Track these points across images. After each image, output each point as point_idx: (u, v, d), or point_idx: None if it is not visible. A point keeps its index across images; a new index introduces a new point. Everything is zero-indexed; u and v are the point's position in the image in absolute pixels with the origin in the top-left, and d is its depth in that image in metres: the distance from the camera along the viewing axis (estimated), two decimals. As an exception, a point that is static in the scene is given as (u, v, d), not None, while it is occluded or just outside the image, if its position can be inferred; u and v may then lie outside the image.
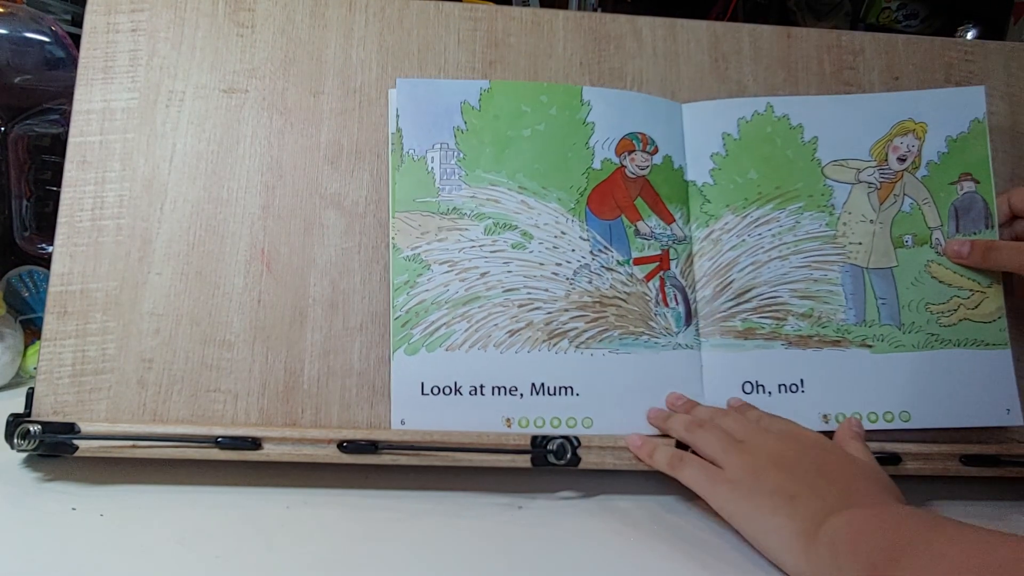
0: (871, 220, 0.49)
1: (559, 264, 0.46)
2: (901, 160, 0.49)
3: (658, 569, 0.36)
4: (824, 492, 0.36)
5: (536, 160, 0.47)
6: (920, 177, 0.49)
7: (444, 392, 0.44)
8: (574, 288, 0.46)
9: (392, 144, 0.47)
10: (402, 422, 0.44)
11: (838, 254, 0.48)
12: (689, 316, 0.47)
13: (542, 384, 0.45)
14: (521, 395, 0.45)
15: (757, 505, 0.37)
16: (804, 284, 0.48)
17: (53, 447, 0.41)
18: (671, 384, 0.46)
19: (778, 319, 0.47)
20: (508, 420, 0.44)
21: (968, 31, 1.05)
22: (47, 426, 0.41)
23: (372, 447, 0.42)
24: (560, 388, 0.45)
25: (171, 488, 0.41)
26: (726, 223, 0.48)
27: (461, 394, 0.44)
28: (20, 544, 0.35)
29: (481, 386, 0.44)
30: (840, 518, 0.34)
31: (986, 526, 0.31)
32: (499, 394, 0.44)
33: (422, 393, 0.44)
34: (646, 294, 0.47)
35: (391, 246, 0.45)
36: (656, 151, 0.49)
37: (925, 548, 0.30)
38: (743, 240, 0.48)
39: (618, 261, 0.47)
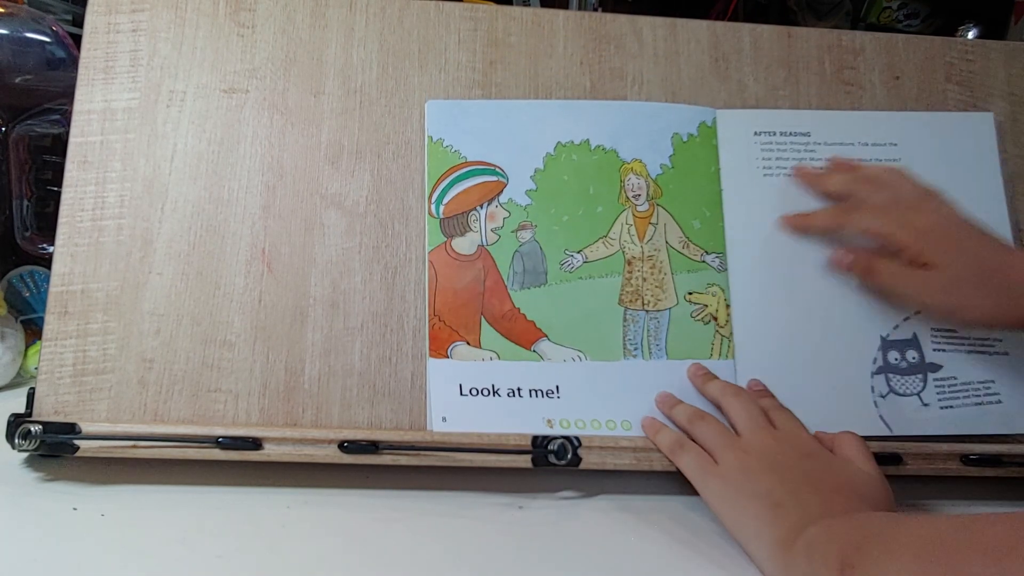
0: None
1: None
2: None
3: (659, 569, 0.36)
4: (807, 502, 0.37)
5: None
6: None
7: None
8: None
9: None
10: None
11: None
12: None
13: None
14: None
15: (743, 507, 0.38)
16: None
17: (54, 447, 0.41)
18: None
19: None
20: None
21: (968, 31, 1.05)
22: (48, 426, 0.41)
23: (372, 447, 0.42)
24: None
25: (172, 488, 0.41)
26: None
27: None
28: (20, 544, 0.35)
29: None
30: (817, 526, 0.34)
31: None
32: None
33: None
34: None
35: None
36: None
37: (879, 544, 0.31)
38: None
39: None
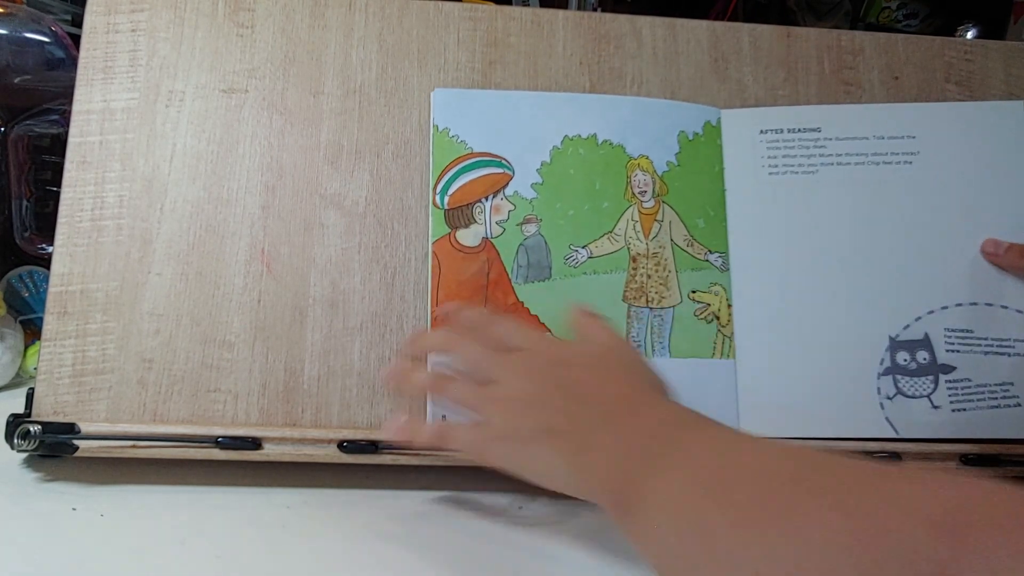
0: None
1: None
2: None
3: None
4: (581, 416, 0.34)
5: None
6: None
7: None
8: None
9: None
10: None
11: None
12: None
13: None
14: None
15: (523, 451, 0.35)
16: None
17: (53, 447, 0.41)
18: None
19: None
20: None
21: (968, 31, 1.05)
22: (47, 426, 0.41)
23: (372, 447, 0.42)
24: None
25: (171, 488, 0.41)
26: None
27: None
28: (20, 544, 0.35)
29: None
30: (598, 435, 0.33)
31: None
32: None
33: None
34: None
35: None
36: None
37: (658, 462, 0.30)
38: None
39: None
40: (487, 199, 0.47)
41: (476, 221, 0.47)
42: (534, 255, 0.46)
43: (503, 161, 0.47)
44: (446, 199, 0.47)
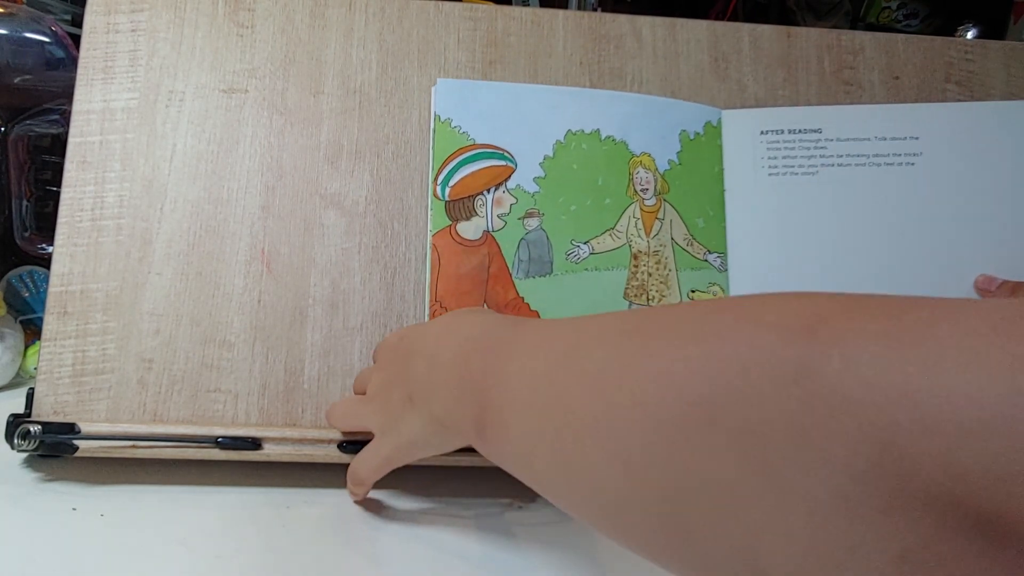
0: None
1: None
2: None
3: (659, 570, 0.36)
4: (424, 373, 0.34)
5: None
6: None
7: None
8: None
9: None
10: None
11: None
12: None
13: None
14: None
15: (391, 422, 0.37)
16: None
17: (53, 447, 0.41)
18: None
19: None
20: None
21: (968, 30, 1.05)
22: (47, 426, 0.41)
23: (372, 447, 0.42)
24: None
25: (171, 488, 0.41)
26: None
27: None
28: (20, 544, 0.35)
29: None
30: (442, 375, 0.33)
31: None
32: None
33: None
34: None
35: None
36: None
37: (509, 349, 0.29)
38: None
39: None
40: (489, 191, 0.47)
41: (477, 214, 0.46)
42: (535, 250, 0.46)
43: (505, 153, 0.47)
44: (447, 190, 0.46)
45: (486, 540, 0.38)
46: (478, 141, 0.47)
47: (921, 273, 0.47)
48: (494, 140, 0.47)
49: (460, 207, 0.46)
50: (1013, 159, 0.48)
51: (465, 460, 0.42)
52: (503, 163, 0.47)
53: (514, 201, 0.47)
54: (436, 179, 0.46)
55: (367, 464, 0.39)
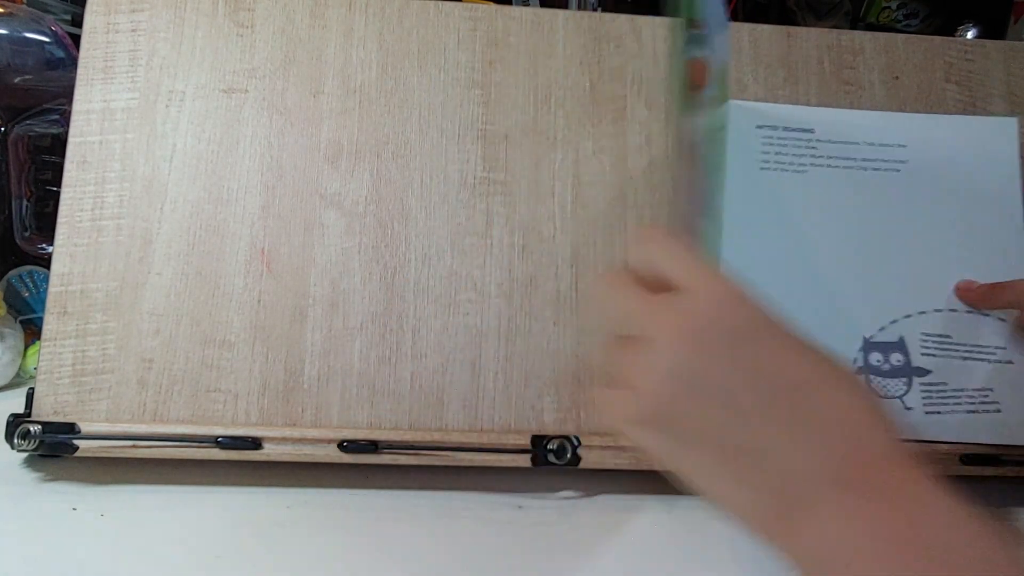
0: None
1: None
2: None
3: (659, 569, 0.36)
4: (783, 443, 0.24)
5: None
6: None
7: None
8: None
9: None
10: None
11: None
12: None
13: None
14: None
15: (684, 454, 0.26)
16: None
17: (53, 447, 0.41)
18: None
19: None
20: None
21: (968, 30, 1.05)
22: (47, 426, 0.41)
23: (372, 447, 0.42)
24: None
25: (171, 488, 0.41)
26: None
27: None
28: (20, 544, 0.35)
29: None
30: (830, 508, 0.24)
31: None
32: None
33: None
34: None
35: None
36: None
37: (868, 490, 0.23)
38: None
39: None
40: None
41: None
42: None
43: None
44: None
45: (486, 540, 0.38)
46: None
47: (900, 275, 0.48)
48: None
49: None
50: (994, 172, 0.49)
51: (465, 459, 0.42)
52: None
53: None
54: None
55: (610, 413, 0.28)
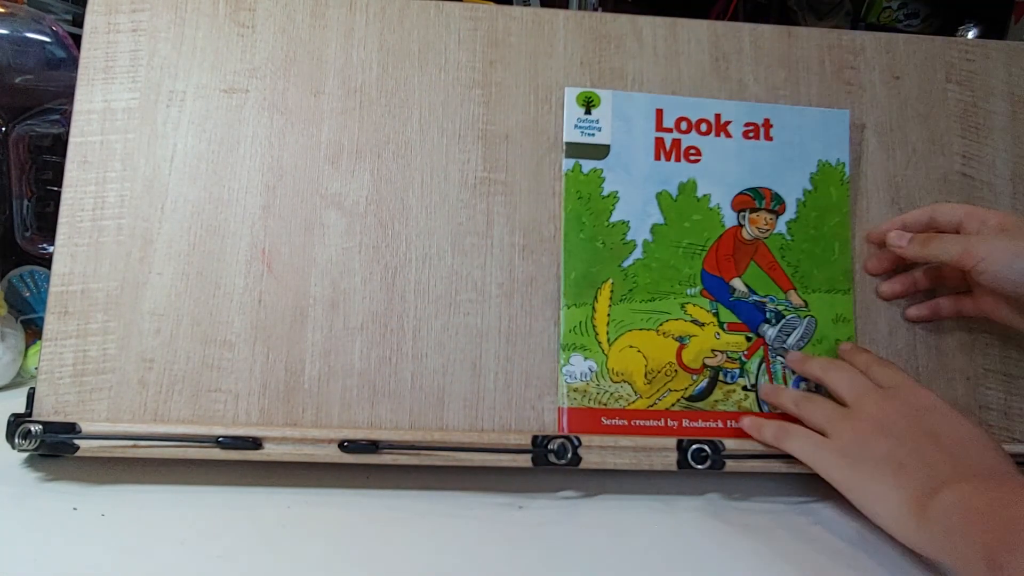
0: None
1: None
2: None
3: (659, 569, 0.36)
4: (934, 460, 0.36)
5: None
6: None
7: None
8: None
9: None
10: None
11: None
12: None
13: None
14: None
15: (864, 473, 0.37)
16: None
17: (54, 447, 0.41)
18: None
19: None
20: None
21: (969, 30, 1.05)
22: (48, 426, 0.41)
23: (373, 447, 0.42)
24: None
25: (172, 488, 0.41)
26: None
27: None
28: (20, 544, 0.35)
29: None
30: (952, 492, 0.34)
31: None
32: None
33: None
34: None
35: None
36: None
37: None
38: None
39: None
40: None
41: None
42: None
43: None
44: None
45: (486, 540, 0.38)
46: None
47: None
48: None
49: None
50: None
51: (465, 459, 0.42)
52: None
53: None
54: None
55: (803, 445, 0.41)
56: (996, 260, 0.41)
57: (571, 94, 0.49)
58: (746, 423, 0.45)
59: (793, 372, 0.47)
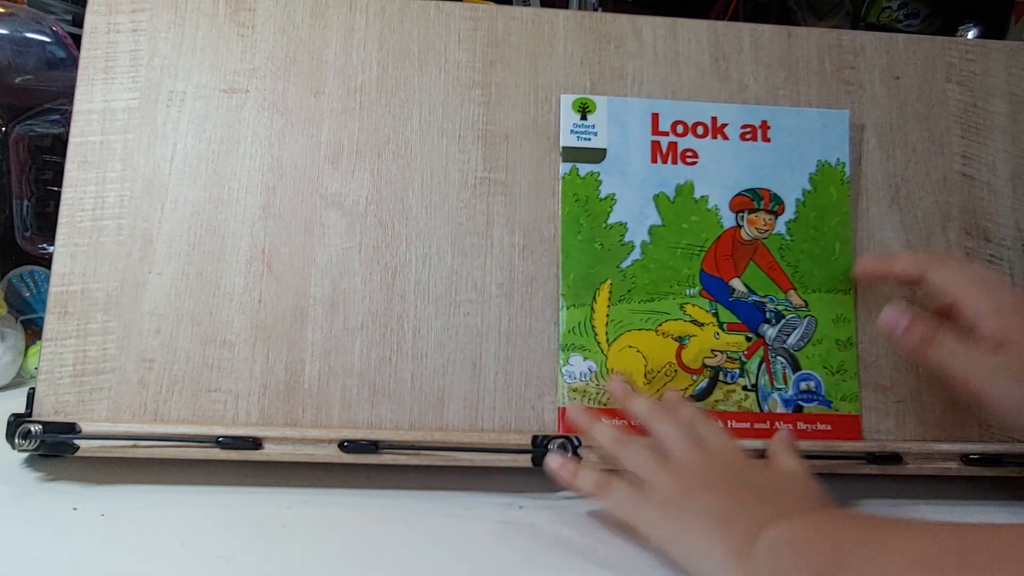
0: None
1: None
2: None
3: (659, 569, 0.36)
4: (756, 507, 0.35)
5: None
6: None
7: None
8: None
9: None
10: None
11: None
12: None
13: None
14: None
15: (688, 526, 0.35)
16: None
17: (54, 447, 0.41)
18: None
19: None
20: None
21: (969, 30, 1.05)
22: (48, 426, 0.41)
23: (373, 447, 0.42)
24: None
25: (172, 488, 0.41)
26: None
27: None
28: (20, 544, 0.35)
29: None
30: (776, 529, 0.33)
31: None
32: None
33: None
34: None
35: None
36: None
37: (870, 547, 0.29)
38: None
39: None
40: None
41: None
42: None
43: None
44: None
45: (486, 540, 0.38)
46: None
47: None
48: None
49: None
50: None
51: (465, 459, 0.42)
52: None
53: None
54: None
55: (622, 497, 0.38)
56: (998, 387, 0.38)
57: (567, 100, 0.49)
58: (554, 465, 0.41)
59: (793, 372, 0.47)
